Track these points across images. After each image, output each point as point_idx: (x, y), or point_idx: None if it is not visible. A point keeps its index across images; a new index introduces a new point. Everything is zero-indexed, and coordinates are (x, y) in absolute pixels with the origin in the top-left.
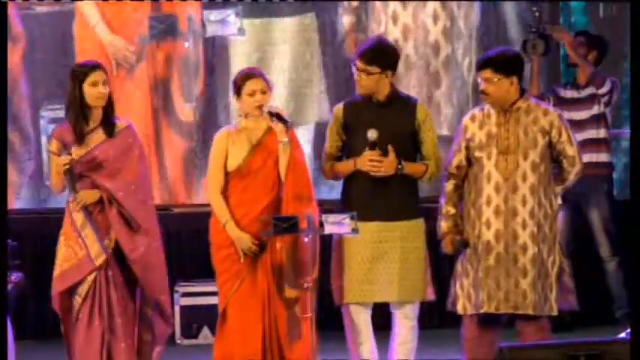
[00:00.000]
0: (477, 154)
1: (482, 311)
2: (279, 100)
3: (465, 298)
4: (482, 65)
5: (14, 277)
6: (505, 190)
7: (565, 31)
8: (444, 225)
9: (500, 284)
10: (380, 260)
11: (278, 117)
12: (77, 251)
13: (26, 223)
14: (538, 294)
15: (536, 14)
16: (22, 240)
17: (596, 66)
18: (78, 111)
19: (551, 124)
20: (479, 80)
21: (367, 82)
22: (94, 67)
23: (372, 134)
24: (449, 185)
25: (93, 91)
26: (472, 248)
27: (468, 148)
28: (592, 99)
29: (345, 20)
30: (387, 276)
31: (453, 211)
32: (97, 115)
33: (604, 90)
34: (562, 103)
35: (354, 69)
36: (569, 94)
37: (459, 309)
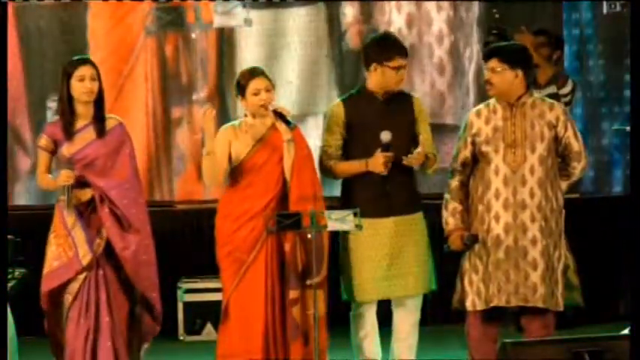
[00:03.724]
0: (484, 148)
1: (492, 305)
2: (288, 90)
3: (474, 294)
4: (489, 55)
5: (17, 273)
6: (513, 183)
7: (526, 32)
8: (451, 222)
9: (509, 277)
10: (399, 255)
11: (281, 117)
12: (67, 250)
13: (30, 219)
14: (547, 287)
15: (496, 15)
16: (25, 236)
17: (556, 64)
18: (65, 107)
19: (558, 118)
20: (485, 70)
21: (402, 77)
22: (82, 61)
23: (385, 136)
24: (454, 182)
25: (79, 86)
26: (481, 243)
27: (474, 143)
28: (552, 99)
29: (348, 12)
30: (407, 270)
31: (459, 207)
32: (86, 111)
33: (565, 90)
34: None
35: (385, 68)
36: None
37: (468, 305)
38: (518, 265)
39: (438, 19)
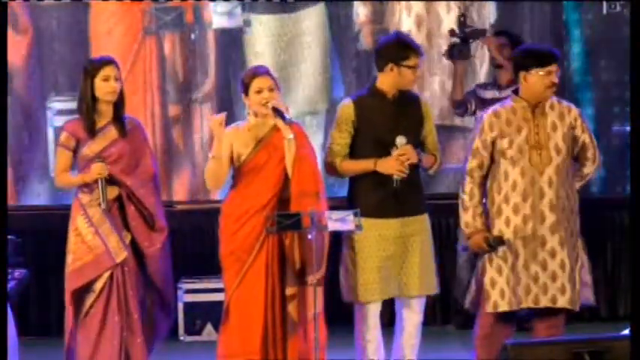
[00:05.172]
0: (507, 150)
1: (522, 307)
2: (290, 89)
3: (498, 296)
4: (552, 59)
5: (17, 273)
6: (539, 185)
7: (489, 35)
8: (471, 224)
9: (538, 279)
10: (404, 255)
11: (279, 113)
12: (93, 247)
13: (30, 219)
14: (573, 289)
15: (461, 19)
16: (25, 236)
17: None
18: (89, 106)
19: (576, 119)
20: (548, 75)
21: (417, 75)
22: (107, 62)
23: (401, 140)
24: (472, 183)
25: (104, 86)
26: (507, 244)
27: (494, 144)
28: None
29: (361, 12)
30: (412, 270)
31: (479, 209)
32: (107, 110)
33: None
34: (483, 103)
35: (401, 67)
36: (489, 94)
37: (490, 307)
38: (546, 266)
39: (448, 19)
